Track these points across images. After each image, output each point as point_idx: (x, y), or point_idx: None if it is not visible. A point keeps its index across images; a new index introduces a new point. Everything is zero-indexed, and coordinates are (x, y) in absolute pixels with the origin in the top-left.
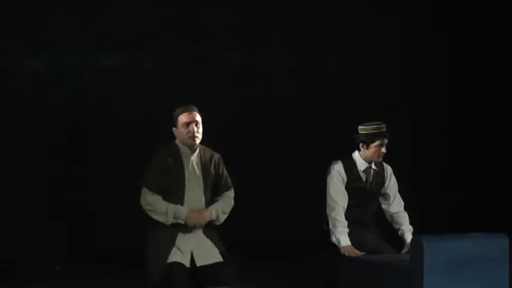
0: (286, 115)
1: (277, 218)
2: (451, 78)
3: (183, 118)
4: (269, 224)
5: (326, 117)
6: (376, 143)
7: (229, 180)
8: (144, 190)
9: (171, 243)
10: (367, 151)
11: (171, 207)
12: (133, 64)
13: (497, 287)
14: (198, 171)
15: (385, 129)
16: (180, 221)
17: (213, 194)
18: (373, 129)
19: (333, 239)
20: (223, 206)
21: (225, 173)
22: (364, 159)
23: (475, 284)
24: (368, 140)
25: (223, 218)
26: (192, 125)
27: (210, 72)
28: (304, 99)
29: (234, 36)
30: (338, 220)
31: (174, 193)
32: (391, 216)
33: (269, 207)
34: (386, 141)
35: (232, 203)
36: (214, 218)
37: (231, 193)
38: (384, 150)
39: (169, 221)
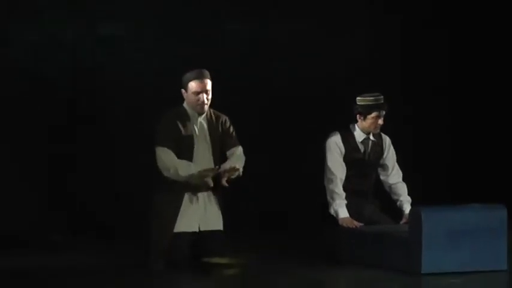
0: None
1: (279, 189)
2: (450, 78)
3: (193, 86)
4: (270, 195)
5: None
6: (373, 114)
7: (236, 138)
8: (159, 148)
9: (178, 205)
10: (364, 122)
11: (179, 161)
12: (130, 34)
13: (495, 258)
14: (206, 132)
15: (382, 101)
16: (193, 174)
17: (221, 152)
18: (370, 101)
19: (331, 211)
20: (238, 159)
21: (233, 131)
22: (362, 130)
23: (474, 254)
24: (365, 111)
25: (241, 168)
26: (202, 94)
27: (211, 40)
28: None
29: (235, 5)
30: (336, 192)
31: (184, 154)
32: (390, 187)
33: (272, 177)
34: (383, 113)
35: (243, 158)
36: (239, 167)
37: (240, 149)
38: (381, 122)
39: (182, 174)
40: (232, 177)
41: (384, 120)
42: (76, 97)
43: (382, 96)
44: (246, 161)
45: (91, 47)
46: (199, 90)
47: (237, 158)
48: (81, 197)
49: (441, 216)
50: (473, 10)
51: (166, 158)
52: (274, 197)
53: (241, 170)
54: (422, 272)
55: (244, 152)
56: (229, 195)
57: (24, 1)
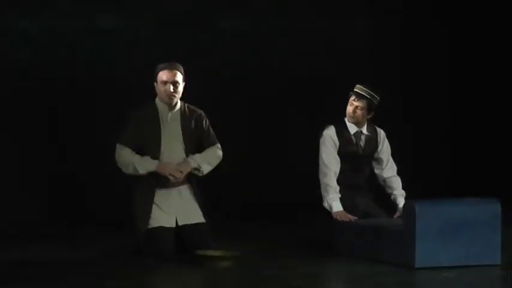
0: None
1: (271, 179)
2: (450, 78)
3: (162, 76)
4: (262, 185)
5: (321, 79)
6: (350, 99)
7: (213, 136)
8: (118, 146)
9: (151, 202)
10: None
11: (140, 158)
12: (127, 27)
13: (489, 252)
14: (177, 127)
15: (363, 93)
16: (152, 170)
17: (198, 151)
18: (356, 88)
19: (325, 205)
20: (206, 156)
21: (210, 129)
22: (348, 120)
23: (468, 248)
24: (349, 96)
25: (207, 168)
26: (168, 84)
27: (206, 34)
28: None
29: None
30: (330, 185)
31: (150, 149)
32: (384, 180)
33: (262, 168)
34: (359, 103)
35: (218, 154)
36: (194, 166)
37: (217, 148)
38: (357, 111)
39: (141, 170)
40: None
41: (368, 116)
42: (72, 94)
43: (368, 90)
44: (241, 153)
45: (89, 41)
46: (166, 79)
47: (209, 154)
48: (79, 190)
49: (435, 210)
50: (474, 10)
51: (124, 155)
52: (266, 188)
53: (210, 167)
54: (416, 266)
55: (237, 143)
56: (221, 187)
57: None
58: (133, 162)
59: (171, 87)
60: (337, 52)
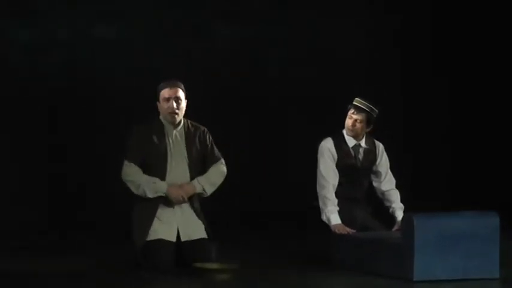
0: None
1: (269, 190)
2: (450, 90)
3: (164, 93)
4: (261, 195)
5: (318, 90)
6: (349, 112)
7: (217, 152)
8: (125, 162)
9: (152, 215)
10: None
11: (149, 179)
12: (124, 35)
13: (488, 266)
14: (182, 145)
15: (361, 106)
16: (161, 194)
17: (202, 167)
18: (355, 101)
19: (323, 218)
20: (210, 177)
21: (213, 145)
22: (347, 133)
23: (466, 262)
24: (347, 108)
25: (210, 189)
26: (171, 101)
27: (200, 43)
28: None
29: (224, 7)
30: (328, 198)
31: (157, 168)
32: (383, 193)
33: (260, 179)
34: (359, 116)
35: (222, 173)
36: (199, 190)
37: (221, 164)
38: (357, 125)
39: (149, 194)
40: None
41: (367, 129)
42: (71, 99)
43: (367, 103)
44: (238, 162)
45: (86, 48)
46: (168, 96)
47: (212, 174)
48: (74, 199)
49: (434, 223)
50: (473, 10)
51: (132, 175)
52: (265, 197)
53: (213, 187)
54: (414, 279)
55: (236, 153)
56: (220, 196)
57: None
58: (142, 184)
59: (174, 104)
60: (335, 62)
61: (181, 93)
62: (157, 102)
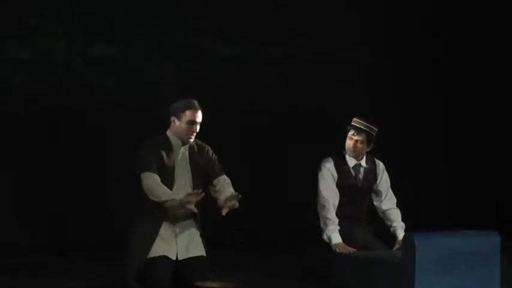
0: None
1: (269, 210)
2: (443, 108)
3: (189, 115)
4: (261, 214)
5: (318, 109)
6: (349, 133)
7: (221, 167)
8: (144, 175)
9: (155, 233)
10: (346, 142)
11: (169, 194)
12: (121, 54)
13: (489, 285)
14: (187, 161)
15: (361, 126)
16: (177, 198)
17: (206, 180)
18: (354, 121)
19: (324, 237)
20: (231, 189)
21: (216, 160)
22: (348, 153)
23: (467, 281)
24: (347, 129)
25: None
26: (196, 125)
27: (199, 63)
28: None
29: (223, 27)
30: (329, 218)
31: (164, 183)
32: (383, 212)
33: (260, 198)
34: (359, 137)
35: (229, 182)
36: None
37: (226, 178)
38: (358, 146)
39: (174, 200)
40: (235, 207)
41: (368, 148)
42: (66, 117)
43: (366, 123)
44: (237, 180)
45: (82, 67)
46: (193, 119)
47: (229, 186)
48: (67, 217)
49: (434, 243)
50: (470, 10)
51: (154, 184)
52: (264, 216)
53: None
54: None
55: (233, 171)
56: (219, 215)
57: (17, 20)
58: (160, 192)
59: (197, 128)
60: (333, 82)
61: (201, 117)
62: (174, 118)
